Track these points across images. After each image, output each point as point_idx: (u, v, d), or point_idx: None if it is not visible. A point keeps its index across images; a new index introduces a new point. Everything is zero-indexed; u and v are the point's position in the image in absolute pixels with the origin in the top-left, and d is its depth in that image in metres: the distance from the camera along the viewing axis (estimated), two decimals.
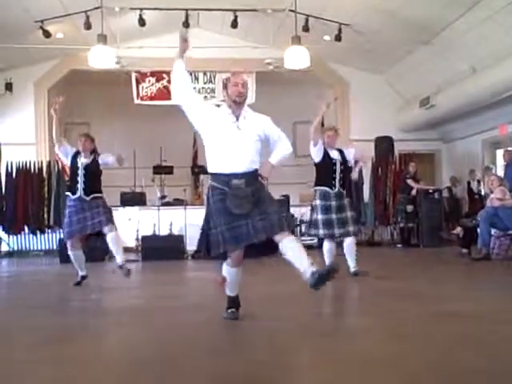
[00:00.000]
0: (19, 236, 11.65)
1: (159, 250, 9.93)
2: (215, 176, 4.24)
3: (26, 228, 11.52)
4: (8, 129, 12.49)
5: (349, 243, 6.78)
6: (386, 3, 9.94)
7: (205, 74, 12.93)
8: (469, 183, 12.48)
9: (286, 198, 11.67)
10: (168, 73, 12.91)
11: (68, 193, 6.73)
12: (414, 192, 11.68)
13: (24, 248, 11.72)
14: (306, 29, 10.70)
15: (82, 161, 6.72)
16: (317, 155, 6.74)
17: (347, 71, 13.47)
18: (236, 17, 10.83)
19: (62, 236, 11.15)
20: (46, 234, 11.70)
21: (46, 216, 11.45)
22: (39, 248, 11.75)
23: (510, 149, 11.44)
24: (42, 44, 10.95)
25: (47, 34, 10.59)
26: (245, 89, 4.31)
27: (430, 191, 11.93)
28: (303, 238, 11.94)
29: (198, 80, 12.97)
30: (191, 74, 12.92)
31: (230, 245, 4.17)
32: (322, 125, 11.50)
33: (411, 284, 6.31)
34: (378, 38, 11.24)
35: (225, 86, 4.40)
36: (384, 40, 11.26)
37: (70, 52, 12.09)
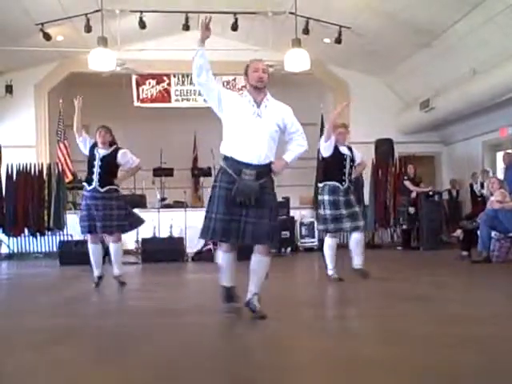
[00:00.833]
0: (19, 238, 11.63)
1: (159, 252, 9.92)
2: (228, 159, 4.19)
3: (26, 230, 11.50)
4: (8, 131, 12.49)
5: (358, 238, 6.69)
6: (386, 6, 9.94)
7: None
8: (471, 186, 12.46)
9: (286, 200, 11.66)
10: (168, 75, 12.95)
11: (84, 183, 6.72)
12: (413, 194, 11.69)
13: (24, 250, 11.70)
14: (306, 31, 10.71)
15: (100, 152, 6.72)
16: (328, 150, 6.65)
17: (347, 74, 13.48)
18: (236, 19, 10.84)
19: (62, 238, 11.23)
20: (46, 237, 11.68)
21: (46, 218, 11.43)
22: (39, 250, 11.74)
23: (510, 151, 11.45)
24: (42, 47, 10.96)
25: (47, 37, 10.60)
26: (266, 74, 4.28)
27: (430, 193, 11.93)
28: (303, 241, 11.98)
29: None
30: (190, 76, 12.97)
31: (217, 235, 4.18)
32: (322, 126, 11.49)
33: (411, 286, 6.31)
34: (378, 41, 11.25)
35: (245, 73, 4.40)
36: (384, 42, 11.27)
37: (70, 55, 12.10)
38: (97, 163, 6.63)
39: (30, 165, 11.60)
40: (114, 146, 6.86)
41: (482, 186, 11.95)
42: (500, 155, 12.28)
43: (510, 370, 2.93)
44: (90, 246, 6.71)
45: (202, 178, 14.17)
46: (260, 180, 4.12)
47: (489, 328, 3.89)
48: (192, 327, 4.26)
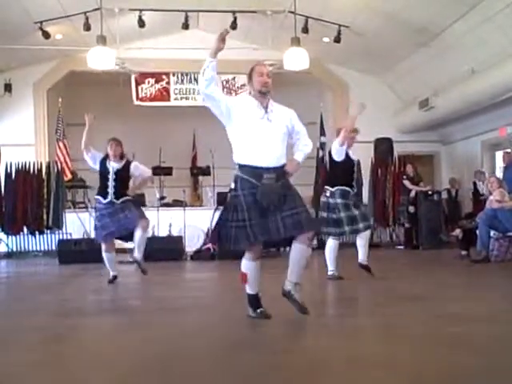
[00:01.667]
0: (18, 237, 11.64)
1: (158, 250, 9.91)
2: (245, 167, 4.19)
3: (25, 229, 11.51)
4: (7, 130, 12.49)
5: (367, 234, 6.81)
6: (385, 5, 9.95)
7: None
8: (474, 183, 12.43)
9: None
10: (167, 74, 12.95)
11: (98, 197, 6.79)
12: (412, 193, 11.70)
13: (23, 249, 11.70)
14: (305, 30, 10.71)
15: (113, 165, 6.78)
16: (341, 154, 6.63)
17: (346, 73, 13.48)
18: (235, 18, 10.83)
19: (61, 237, 11.23)
20: (45, 235, 11.68)
21: (45, 217, 11.44)
22: (38, 249, 11.74)
23: (509, 151, 11.45)
24: (41, 45, 10.96)
25: (46, 35, 10.59)
26: (270, 79, 4.28)
27: (429, 193, 11.94)
28: None
29: (197, 81, 12.89)
30: (189, 75, 12.98)
31: (258, 238, 4.18)
32: (321, 125, 11.47)
33: (410, 286, 6.32)
34: (378, 40, 11.25)
35: (249, 77, 4.34)
36: (383, 42, 11.27)
37: (69, 53, 12.09)
38: (111, 177, 6.73)
39: (29, 163, 11.60)
40: (125, 159, 6.95)
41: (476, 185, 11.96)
42: (499, 154, 12.29)
43: (510, 369, 2.94)
44: (105, 255, 6.90)
45: (201, 177, 14.18)
46: (281, 181, 4.19)
47: (488, 327, 3.89)
48: (192, 326, 4.27)
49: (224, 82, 13.01)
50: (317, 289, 6.42)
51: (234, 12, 10.81)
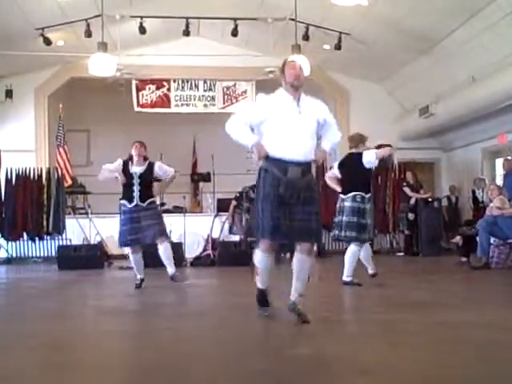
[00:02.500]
0: (18, 242, 11.64)
1: (158, 257, 9.88)
2: (271, 159, 4.18)
3: (25, 235, 11.51)
4: (8, 135, 12.50)
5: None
6: (385, 12, 9.97)
7: (205, 82, 12.97)
8: (473, 192, 12.44)
9: None
10: (168, 80, 12.98)
11: (123, 201, 6.82)
12: (412, 201, 11.70)
13: (23, 255, 11.70)
14: (306, 37, 10.73)
15: (135, 170, 6.82)
16: (373, 164, 7.03)
17: (347, 80, 13.51)
18: (236, 25, 10.86)
19: (60, 243, 11.22)
20: (45, 241, 11.69)
21: (45, 223, 11.43)
22: (38, 255, 11.74)
23: (509, 158, 11.46)
24: (42, 51, 10.98)
25: (48, 42, 10.62)
26: (303, 72, 4.30)
27: (429, 200, 11.94)
28: None
29: (198, 88, 13.01)
30: (189, 82, 13.00)
31: (267, 235, 4.17)
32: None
33: (411, 292, 6.31)
34: (378, 47, 11.28)
35: (282, 71, 4.34)
36: (384, 49, 11.30)
37: (70, 59, 12.12)
38: (135, 181, 6.78)
39: (30, 169, 11.62)
40: (148, 161, 6.97)
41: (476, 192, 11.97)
42: (499, 162, 12.29)
43: (509, 376, 2.93)
44: (131, 256, 6.91)
45: (201, 184, 14.18)
46: (305, 177, 4.17)
47: (488, 334, 3.89)
48: (191, 331, 4.26)
49: (224, 89, 13.03)
50: (315, 295, 6.41)
51: (234, 19, 10.84)
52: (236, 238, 11.36)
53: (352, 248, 6.77)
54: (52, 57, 11.56)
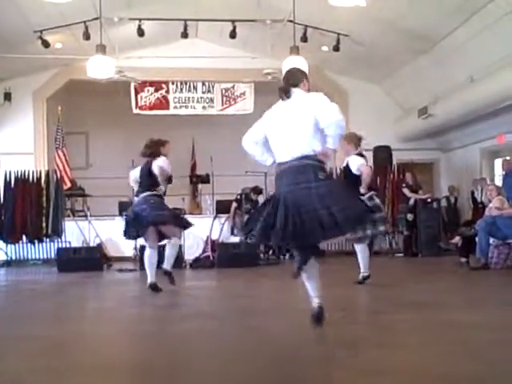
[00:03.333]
0: (17, 245, 11.62)
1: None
2: (276, 165, 4.26)
3: (24, 237, 11.50)
4: (6, 138, 12.51)
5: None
6: (384, 13, 9.97)
7: (203, 83, 12.98)
8: (472, 192, 12.46)
9: None
10: (166, 83, 12.98)
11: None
12: (411, 201, 11.69)
13: (22, 257, 11.69)
14: (304, 39, 10.73)
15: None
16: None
17: (345, 81, 13.51)
18: (235, 27, 10.85)
19: (60, 245, 11.21)
20: (44, 244, 11.67)
21: (44, 225, 11.43)
22: (37, 257, 11.73)
23: (508, 158, 11.48)
24: (40, 54, 10.97)
25: (46, 44, 10.61)
26: None
27: (429, 201, 11.94)
28: None
29: (196, 90, 13.01)
30: (188, 84, 13.01)
31: (254, 238, 4.10)
32: None
33: (410, 293, 6.31)
34: (377, 48, 11.28)
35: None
36: (382, 50, 11.30)
37: (68, 62, 12.11)
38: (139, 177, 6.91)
39: (29, 172, 11.61)
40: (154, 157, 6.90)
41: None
42: (498, 162, 12.30)
43: (508, 376, 2.93)
44: (147, 251, 6.75)
45: (200, 185, 14.16)
46: (303, 173, 4.04)
47: (487, 334, 3.89)
48: (191, 333, 4.26)
49: (223, 91, 13.04)
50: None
51: (233, 21, 10.83)
52: (236, 239, 11.36)
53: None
54: (50, 59, 11.55)
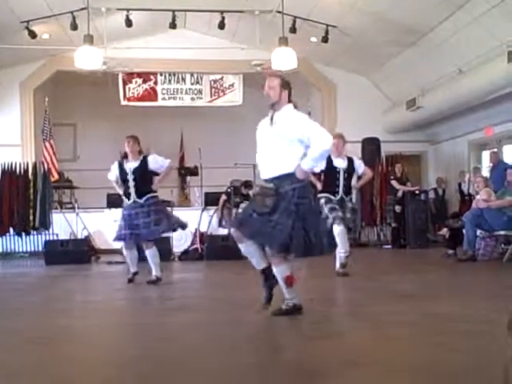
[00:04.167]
0: (4, 238, 11.55)
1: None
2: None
3: (11, 230, 11.42)
4: None
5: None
6: (372, 5, 9.97)
7: (192, 75, 12.92)
8: (459, 184, 12.54)
9: None
10: (155, 74, 12.91)
11: (124, 198, 6.82)
12: (399, 193, 11.73)
13: (9, 250, 11.61)
14: (293, 30, 10.72)
15: (129, 166, 6.75)
16: (318, 168, 6.75)
17: (334, 73, 13.51)
18: (223, 18, 10.82)
19: (47, 238, 11.15)
20: (32, 236, 11.60)
21: (31, 218, 11.34)
22: (25, 250, 11.66)
23: (495, 150, 11.54)
24: (27, 45, 10.88)
25: (33, 35, 10.52)
26: (272, 90, 4.32)
27: (417, 192, 11.99)
28: None
29: (185, 81, 12.96)
30: (176, 75, 12.95)
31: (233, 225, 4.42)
32: None
33: (397, 284, 6.34)
34: (365, 40, 11.28)
35: None
36: (371, 41, 11.31)
37: (56, 53, 12.02)
38: (130, 177, 6.71)
39: (16, 164, 11.51)
40: (142, 155, 6.89)
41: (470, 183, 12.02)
42: (485, 154, 12.37)
43: (497, 367, 2.95)
44: (125, 251, 6.87)
45: (188, 177, 14.14)
46: (281, 189, 4.20)
47: (474, 325, 3.91)
48: (179, 326, 4.25)
49: (212, 82, 12.99)
50: (305, 289, 6.42)
51: (221, 12, 10.80)
52: (224, 231, 11.34)
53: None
54: (37, 50, 11.45)
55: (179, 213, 11.61)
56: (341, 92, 13.49)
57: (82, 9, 10.13)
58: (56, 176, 12.27)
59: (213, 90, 13.03)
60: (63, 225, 11.49)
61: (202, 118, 14.03)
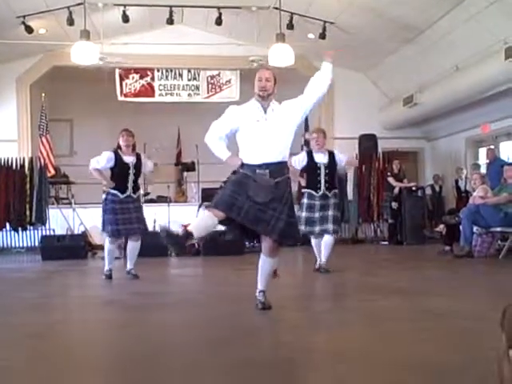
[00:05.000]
0: (0, 233, 11.52)
1: (142, 246, 9.85)
2: (243, 166, 4.39)
3: (8, 225, 11.40)
4: None
5: (326, 240, 6.90)
6: (370, 1, 9.96)
7: (189, 71, 12.90)
8: (456, 181, 12.56)
9: None
10: (152, 69, 12.88)
11: (115, 191, 6.71)
12: (396, 190, 11.74)
13: (5, 245, 11.60)
14: (290, 26, 10.70)
15: (129, 160, 6.77)
16: (299, 165, 6.98)
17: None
18: (220, 14, 10.79)
19: (44, 233, 11.13)
20: (28, 231, 11.58)
21: (27, 213, 11.32)
22: (21, 245, 11.64)
23: (492, 147, 11.55)
24: (24, 40, 10.84)
25: (29, 30, 10.48)
26: (269, 82, 4.44)
27: (413, 189, 12.00)
28: None
29: (182, 77, 12.93)
30: (173, 71, 12.92)
31: (220, 206, 4.33)
32: (306, 122, 11.43)
33: (394, 281, 6.35)
34: (363, 36, 11.27)
35: (254, 82, 4.53)
36: (368, 38, 11.29)
37: (52, 48, 11.98)
38: (131, 172, 6.73)
39: (12, 159, 11.48)
40: (136, 151, 6.94)
41: (467, 180, 12.04)
42: (482, 151, 12.38)
43: (491, 364, 2.96)
44: (109, 246, 6.85)
45: (185, 173, 14.13)
46: (275, 178, 4.30)
47: (470, 322, 3.92)
48: (177, 321, 4.26)
49: (209, 78, 12.97)
50: (299, 284, 6.44)
51: (218, 8, 10.77)
52: (221, 227, 11.33)
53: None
54: (34, 45, 11.41)
55: (176, 208, 11.69)
56: (338, 88, 13.44)
57: (79, 4, 10.10)
58: (52, 171, 12.25)
59: (210, 85, 13.01)
60: (60, 220, 11.47)
61: (199, 113, 13.94)
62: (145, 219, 6.97)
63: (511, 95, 9.94)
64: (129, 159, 6.76)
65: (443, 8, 9.58)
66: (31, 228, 11.52)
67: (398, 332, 3.75)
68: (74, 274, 8.02)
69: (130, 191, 6.70)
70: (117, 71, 12.67)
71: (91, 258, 10.01)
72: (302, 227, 6.74)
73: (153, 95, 12.95)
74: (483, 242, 8.68)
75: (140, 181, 7.06)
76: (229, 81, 13.02)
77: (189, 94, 12.97)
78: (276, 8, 10.57)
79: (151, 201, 12.01)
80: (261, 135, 4.34)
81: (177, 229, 4.56)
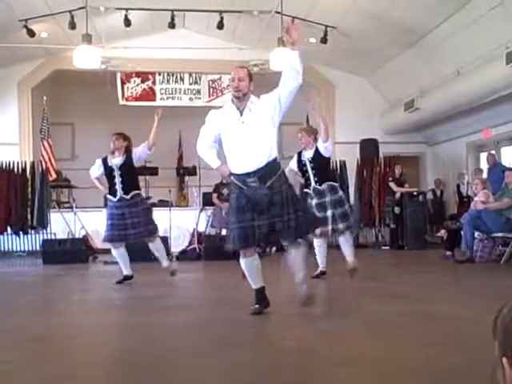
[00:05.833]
0: (2, 237, 11.52)
1: (143, 250, 9.81)
2: (234, 175, 4.32)
3: (9, 229, 11.40)
4: None
5: (342, 240, 6.67)
6: (371, 6, 9.97)
7: (190, 75, 12.91)
8: (458, 186, 12.55)
9: None
10: (153, 73, 12.90)
11: (109, 196, 6.77)
12: (397, 195, 11.73)
13: (7, 249, 11.59)
14: None
15: (115, 162, 6.74)
16: (294, 167, 6.85)
17: (333, 73, 13.50)
18: (222, 18, 10.80)
19: (45, 237, 11.13)
20: (29, 235, 11.58)
21: (29, 217, 11.33)
22: (22, 249, 11.63)
23: (492, 152, 11.54)
24: (26, 43, 10.85)
25: (31, 34, 10.49)
26: (243, 82, 4.31)
27: (415, 194, 11.99)
28: None
29: (183, 81, 12.94)
30: (175, 75, 12.93)
31: (237, 244, 4.25)
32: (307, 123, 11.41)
33: (395, 286, 6.34)
34: (364, 41, 11.28)
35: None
36: (370, 42, 11.30)
37: (54, 52, 12.00)
38: (116, 173, 6.70)
39: (13, 163, 11.49)
40: (127, 153, 6.88)
41: (469, 185, 12.02)
42: (483, 156, 12.38)
43: (486, 368, 2.95)
44: (114, 251, 6.83)
45: (186, 177, 14.12)
46: (266, 183, 4.21)
47: (471, 327, 3.92)
48: (178, 325, 4.25)
49: (210, 82, 12.98)
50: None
51: (220, 12, 10.78)
52: (222, 232, 11.33)
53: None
54: (36, 49, 11.44)
55: (177, 212, 11.68)
56: (339, 93, 13.49)
57: (81, 8, 10.11)
58: (54, 175, 12.25)
59: (211, 90, 13.02)
60: (61, 224, 11.47)
61: (200, 118, 13.88)
62: (149, 220, 6.88)
63: None
64: (114, 161, 6.75)
65: (444, 13, 9.59)
66: (32, 232, 11.52)
67: (400, 336, 3.74)
68: (75, 278, 8.02)
69: (120, 193, 6.66)
70: (118, 75, 12.69)
71: (92, 262, 10.00)
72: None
73: (154, 99, 12.95)
74: (484, 247, 8.66)
75: (141, 183, 7.01)
76: (230, 85, 13.02)
77: (190, 98, 12.97)
78: (278, 12, 10.59)
79: (152, 205, 11.97)
80: (240, 141, 4.23)
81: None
